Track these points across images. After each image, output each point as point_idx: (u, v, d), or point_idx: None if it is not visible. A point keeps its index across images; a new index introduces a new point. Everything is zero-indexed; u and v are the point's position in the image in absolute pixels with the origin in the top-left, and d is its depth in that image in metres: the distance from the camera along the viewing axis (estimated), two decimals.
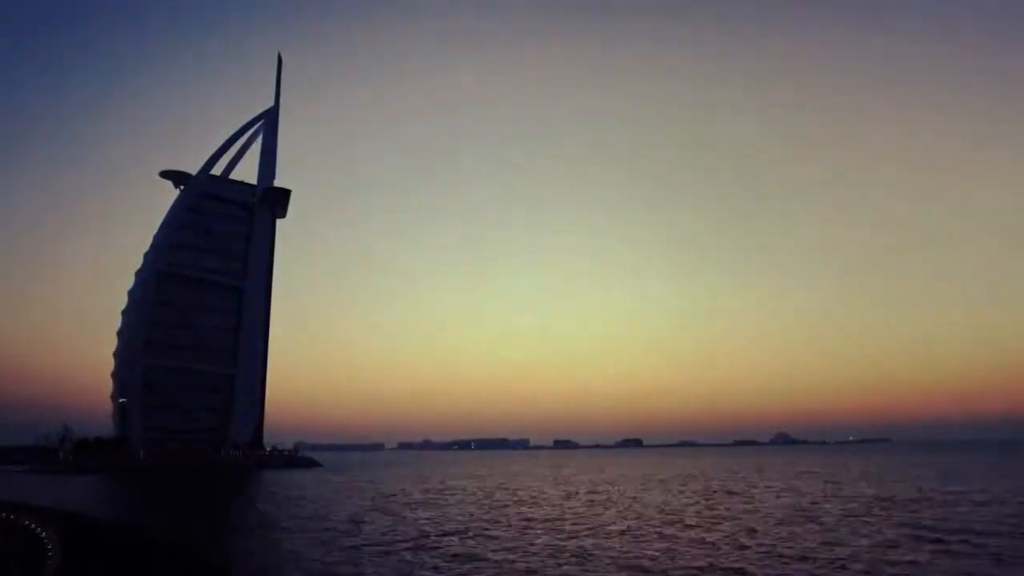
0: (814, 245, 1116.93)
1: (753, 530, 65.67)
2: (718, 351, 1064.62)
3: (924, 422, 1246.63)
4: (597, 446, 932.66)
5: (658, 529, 68.32)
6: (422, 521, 78.10)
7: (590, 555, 53.73)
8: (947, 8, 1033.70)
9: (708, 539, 61.01)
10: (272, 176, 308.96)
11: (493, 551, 56.22)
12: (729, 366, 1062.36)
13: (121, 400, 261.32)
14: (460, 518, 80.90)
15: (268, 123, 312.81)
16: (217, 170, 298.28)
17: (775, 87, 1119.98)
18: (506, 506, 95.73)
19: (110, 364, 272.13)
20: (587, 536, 64.08)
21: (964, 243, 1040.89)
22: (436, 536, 65.62)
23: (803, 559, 50.69)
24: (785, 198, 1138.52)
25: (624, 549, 56.36)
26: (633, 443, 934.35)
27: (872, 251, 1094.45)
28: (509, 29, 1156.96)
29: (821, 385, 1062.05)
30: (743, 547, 56.34)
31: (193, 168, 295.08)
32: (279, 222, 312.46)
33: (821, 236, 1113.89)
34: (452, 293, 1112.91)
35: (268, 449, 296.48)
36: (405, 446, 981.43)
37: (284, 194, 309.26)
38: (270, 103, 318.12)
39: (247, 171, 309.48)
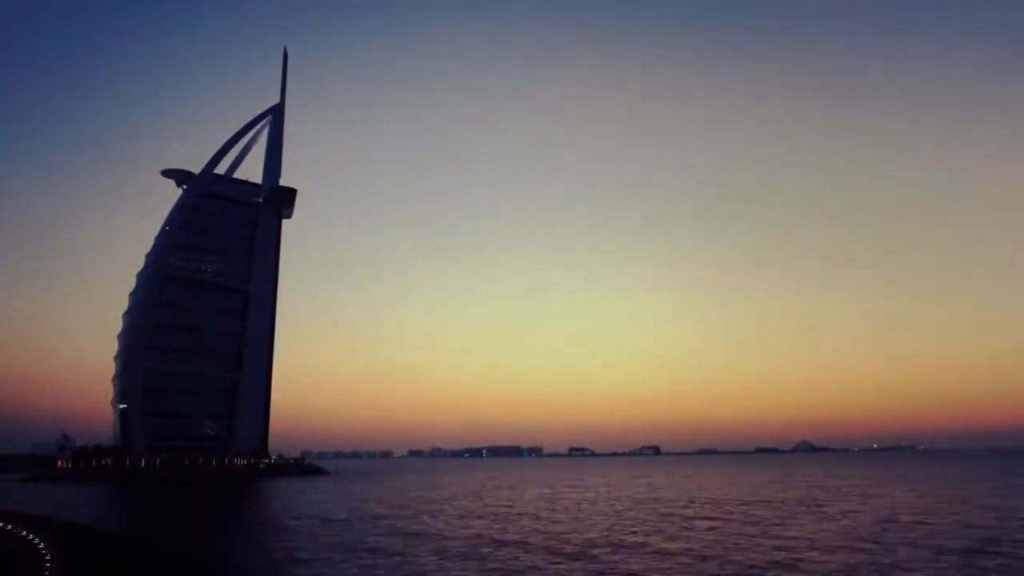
0: (836, 256, 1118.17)
1: None
2: (738, 358, 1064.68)
3: (947, 429, 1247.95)
4: (614, 454, 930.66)
5: None
6: None
7: None
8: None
9: None
10: (277, 175, 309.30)
11: None
12: (750, 373, 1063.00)
13: (122, 406, 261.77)
14: None
15: (273, 120, 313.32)
16: (221, 168, 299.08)
17: (802, 105, 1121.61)
18: None
19: (111, 369, 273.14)
20: None
21: (991, 253, 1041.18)
22: None
23: None
24: (808, 211, 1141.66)
25: None
26: (650, 451, 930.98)
27: (896, 260, 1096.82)
28: (523, 35, 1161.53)
29: (843, 392, 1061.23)
30: None
31: (196, 167, 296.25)
32: (285, 222, 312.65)
33: (845, 247, 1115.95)
34: (464, 298, 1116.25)
35: (273, 457, 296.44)
36: (415, 454, 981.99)
37: (290, 193, 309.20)
38: (275, 100, 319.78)
39: (252, 170, 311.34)
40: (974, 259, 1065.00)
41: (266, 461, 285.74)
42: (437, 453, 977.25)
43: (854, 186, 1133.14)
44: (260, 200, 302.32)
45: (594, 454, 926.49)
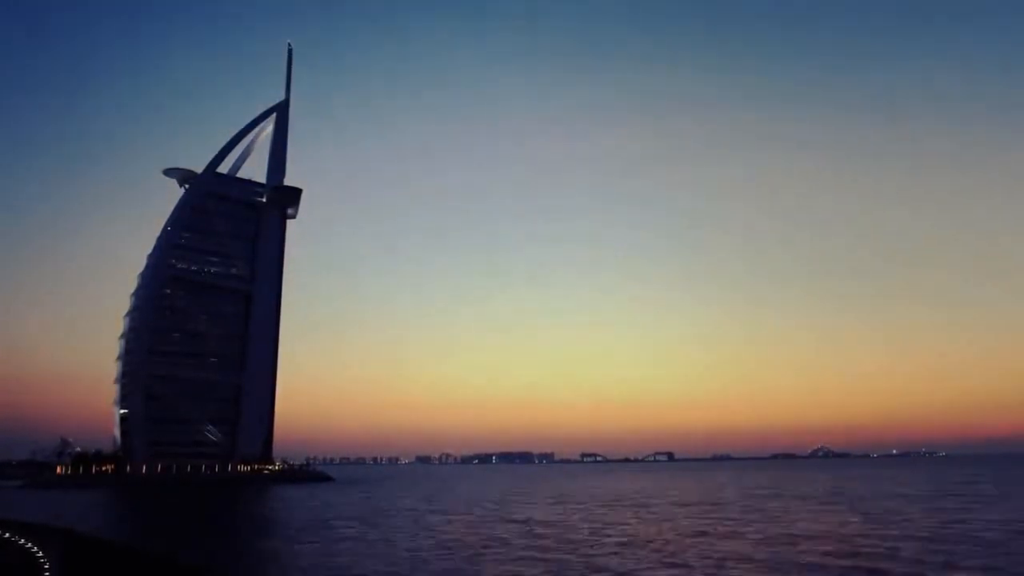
0: (856, 264, 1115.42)
1: None
2: (755, 362, 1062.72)
3: (965, 435, 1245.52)
4: (626, 460, 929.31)
5: None
6: None
7: None
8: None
9: None
10: (282, 174, 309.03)
11: None
12: (764, 378, 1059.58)
13: (122, 411, 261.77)
14: None
15: (278, 118, 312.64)
16: (224, 167, 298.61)
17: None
18: None
19: (112, 372, 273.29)
20: None
21: (1014, 262, 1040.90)
22: None
23: None
24: (826, 217, 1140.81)
25: None
26: (664, 457, 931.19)
27: (915, 268, 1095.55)
28: (531, 38, 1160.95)
29: (861, 397, 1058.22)
30: None
31: (199, 165, 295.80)
32: (289, 223, 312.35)
33: (864, 257, 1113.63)
34: (473, 300, 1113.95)
35: (278, 463, 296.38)
36: (423, 460, 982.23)
37: (294, 193, 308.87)
38: (279, 97, 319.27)
39: (256, 169, 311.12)
40: (995, 267, 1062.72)
41: (270, 467, 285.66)
42: (446, 459, 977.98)
43: (875, 199, 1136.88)
44: (264, 200, 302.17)
45: (607, 460, 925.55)
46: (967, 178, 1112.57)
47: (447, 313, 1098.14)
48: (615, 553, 64.62)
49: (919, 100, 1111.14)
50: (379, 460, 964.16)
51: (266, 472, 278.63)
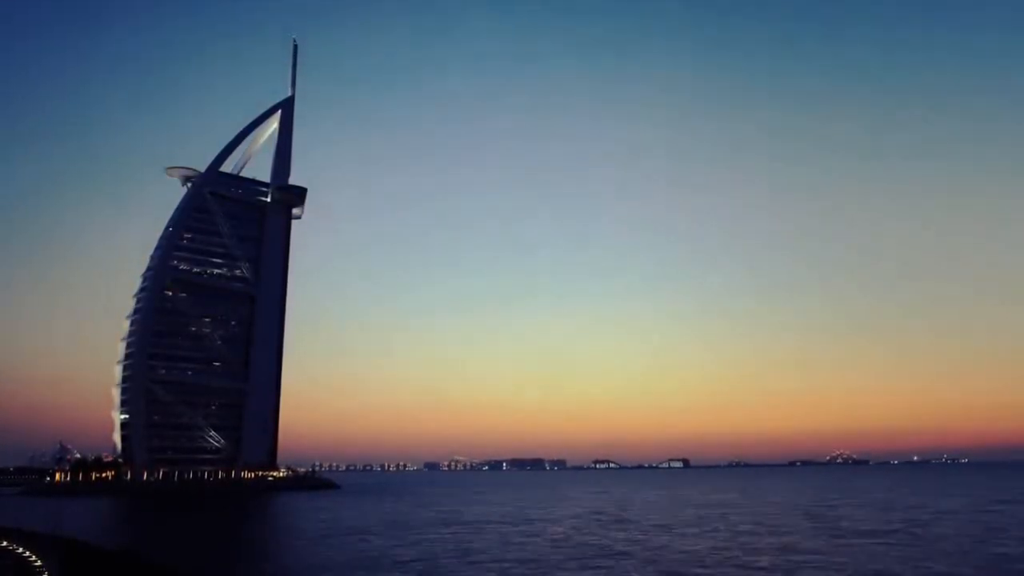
0: (877, 269, 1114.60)
1: None
2: (772, 368, 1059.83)
3: (984, 442, 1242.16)
4: (639, 467, 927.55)
5: None
6: None
7: None
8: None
9: None
10: (287, 173, 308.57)
11: None
12: (784, 384, 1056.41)
13: (123, 416, 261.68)
14: None
15: (283, 115, 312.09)
16: (228, 166, 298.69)
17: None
18: None
19: (112, 376, 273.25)
20: None
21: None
22: None
23: None
24: (847, 227, 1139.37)
25: None
26: (679, 463, 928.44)
27: (939, 275, 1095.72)
28: (537, 41, 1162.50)
29: (881, 404, 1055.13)
30: None
31: (202, 164, 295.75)
32: (294, 223, 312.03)
33: (884, 262, 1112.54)
34: (484, 304, 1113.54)
35: (282, 470, 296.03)
36: (431, 466, 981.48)
37: (300, 192, 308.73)
38: (285, 95, 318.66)
39: (260, 167, 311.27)
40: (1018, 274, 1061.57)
41: (274, 474, 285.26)
42: (455, 466, 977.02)
43: (892, 209, 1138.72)
44: (268, 199, 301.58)
45: (620, 467, 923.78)
46: (983, 190, 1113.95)
47: (457, 317, 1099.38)
48: None
49: (941, 114, 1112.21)
50: (386, 467, 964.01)
51: (270, 479, 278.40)
